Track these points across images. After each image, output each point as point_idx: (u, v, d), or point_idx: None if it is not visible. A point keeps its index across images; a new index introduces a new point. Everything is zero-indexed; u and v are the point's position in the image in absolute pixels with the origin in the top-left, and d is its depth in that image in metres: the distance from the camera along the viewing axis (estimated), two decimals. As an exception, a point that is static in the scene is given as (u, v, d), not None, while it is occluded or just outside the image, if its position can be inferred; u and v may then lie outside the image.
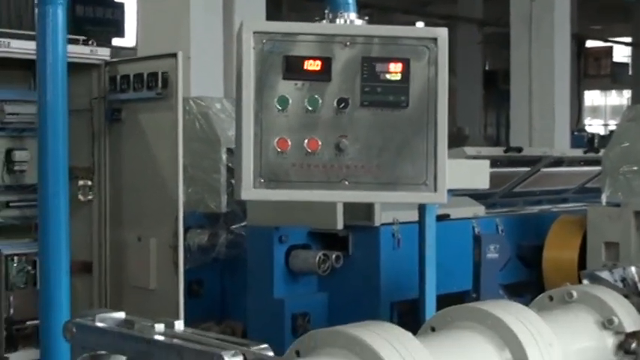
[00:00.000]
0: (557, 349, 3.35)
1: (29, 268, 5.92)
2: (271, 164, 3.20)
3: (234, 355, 2.16)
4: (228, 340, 2.27)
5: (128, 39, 25.51)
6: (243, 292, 6.90)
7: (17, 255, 5.91)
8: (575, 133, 25.64)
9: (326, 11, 3.51)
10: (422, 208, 5.49)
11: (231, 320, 7.49)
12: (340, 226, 6.35)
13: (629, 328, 3.69)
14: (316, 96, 3.23)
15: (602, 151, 8.73)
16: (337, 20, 3.45)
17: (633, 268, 4.08)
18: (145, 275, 6.24)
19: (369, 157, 3.27)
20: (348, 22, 3.45)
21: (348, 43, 3.26)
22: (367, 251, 6.54)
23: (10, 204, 6.32)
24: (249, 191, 3.17)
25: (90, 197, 6.63)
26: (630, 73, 41.28)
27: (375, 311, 6.44)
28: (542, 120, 15.88)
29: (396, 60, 3.27)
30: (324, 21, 3.48)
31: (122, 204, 6.48)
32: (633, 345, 3.67)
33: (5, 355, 5.62)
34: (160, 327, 2.29)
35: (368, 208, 6.31)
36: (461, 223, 7.06)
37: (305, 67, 3.22)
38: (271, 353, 2.22)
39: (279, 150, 3.20)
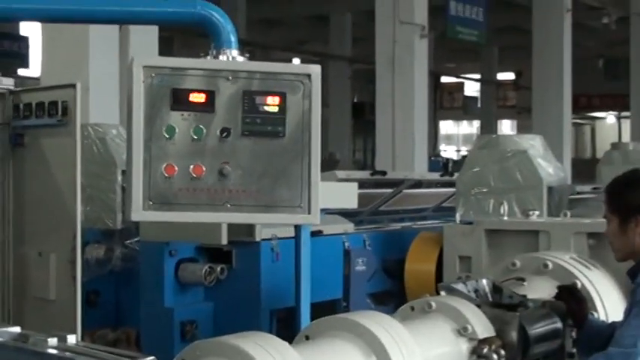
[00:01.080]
0: (418, 355, 3.33)
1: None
2: (159, 188, 3.13)
3: (123, 368, 2.06)
4: (118, 354, 2.17)
5: (33, 69, 25.16)
6: (136, 301, 6.79)
7: None
8: (432, 158, 26.02)
9: (211, 48, 3.46)
10: (298, 226, 5.47)
11: (126, 327, 7.37)
12: (225, 241, 6.29)
13: (482, 334, 3.71)
14: (201, 126, 3.17)
15: (456, 175, 8.83)
16: (221, 57, 3.40)
17: (484, 280, 4.10)
18: (45, 287, 6.09)
19: (250, 182, 3.22)
20: (230, 58, 3.39)
21: (230, 78, 3.21)
22: (249, 264, 6.48)
23: None
24: (139, 213, 3.09)
25: (-7, 216, 6.45)
26: (479, 105, 42.13)
27: (257, 319, 6.39)
28: (404, 146, 16.02)
29: (273, 94, 3.23)
30: (209, 57, 3.42)
31: (24, 222, 6.32)
32: (485, 350, 3.69)
33: None
34: (52, 341, 2.18)
35: (249, 226, 6.25)
36: (332, 239, 7.04)
37: (190, 99, 3.16)
38: (159, 367, 2.13)
39: (166, 175, 3.13)
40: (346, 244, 7.11)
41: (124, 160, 7.39)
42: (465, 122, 50.84)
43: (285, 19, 33.03)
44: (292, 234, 5.86)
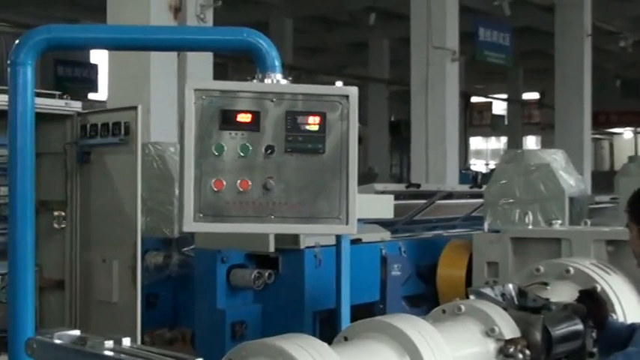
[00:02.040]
0: (449, 355, 3.29)
1: (10, 286, 5.73)
2: (209, 201, 3.11)
3: (174, 369, 2.04)
4: (170, 355, 2.14)
5: (101, 94, 25.51)
6: (191, 303, 6.80)
7: (1, 274, 5.74)
8: (463, 171, 25.83)
9: (257, 72, 3.45)
10: (338, 235, 5.44)
11: (182, 327, 7.40)
12: (272, 249, 6.28)
13: (508, 335, 3.66)
14: (247, 144, 3.15)
15: (484, 187, 8.77)
16: (266, 80, 3.39)
17: (510, 285, 4.03)
18: (108, 291, 6.13)
19: (292, 195, 3.19)
20: (275, 81, 3.38)
21: (274, 99, 3.19)
22: (294, 270, 6.47)
23: None
24: (190, 224, 3.07)
25: (63, 225, 6.52)
26: (506, 123, 41.95)
27: (301, 320, 6.37)
28: (436, 161, 16.01)
29: (314, 114, 3.20)
30: (255, 80, 3.41)
31: (90, 231, 6.37)
32: (511, 349, 3.63)
33: None
34: (109, 343, 2.16)
35: (295, 235, 6.24)
36: (370, 246, 7.01)
37: (238, 119, 3.15)
38: (207, 367, 2.10)
39: (215, 189, 3.11)
40: (383, 251, 7.08)
41: None
42: (493, 138, 50.64)
43: (328, 46, 33.06)
44: (334, 242, 5.84)
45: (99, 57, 27.46)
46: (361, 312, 6.44)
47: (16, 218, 3.36)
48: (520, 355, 3.62)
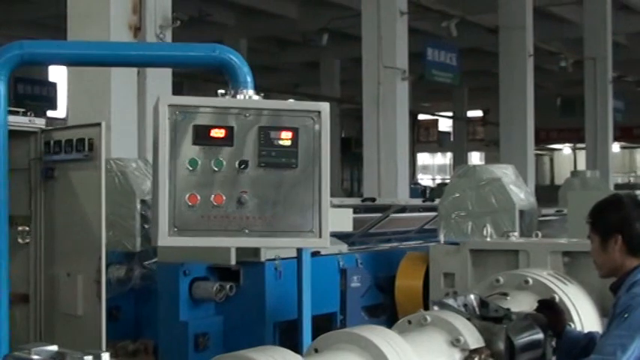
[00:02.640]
0: (417, 363, 3.23)
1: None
2: (183, 216, 3.03)
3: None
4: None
5: (60, 111, 25.25)
6: (154, 315, 6.68)
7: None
8: (412, 185, 25.90)
9: (229, 88, 3.37)
10: (299, 248, 5.36)
11: (145, 339, 7.24)
12: (233, 262, 6.21)
13: (473, 345, 3.62)
14: (221, 158, 3.07)
15: (437, 200, 8.74)
16: (238, 96, 3.31)
17: (472, 296, 3.99)
18: (73, 304, 5.99)
19: (265, 209, 3.12)
20: (247, 97, 3.31)
21: (247, 115, 3.12)
22: (255, 282, 6.39)
23: None
24: (165, 239, 2.99)
25: (27, 240, 6.37)
26: (452, 139, 42.19)
27: (262, 330, 6.30)
28: (388, 176, 15.99)
29: (287, 129, 3.14)
30: (228, 96, 3.33)
31: (54, 246, 6.23)
32: (476, 359, 3.58)
33: None
34: (88, 359, 2.06)
35: (255, 248, 6.14)
36: (329, 259, 6.93)
37: (211, 135, 3.07)
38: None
39: (189, 204, 3.03)
40: (341, 263, 7.02)
41: (142, 190, 7.45)
42: (439, 154, 50.95)
43: (281, 65, 33.06)
44: (293, 254, 5.77)
45: (57, 75, 27.23)
46: (322, 322, 6.39)
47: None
48: (485, 365, 3.58)
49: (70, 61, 4.73)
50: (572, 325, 4.19)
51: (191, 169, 3.04)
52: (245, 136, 3.10)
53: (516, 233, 5.71)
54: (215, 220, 3.06)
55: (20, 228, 6.41)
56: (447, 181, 41.80)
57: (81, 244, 6.05)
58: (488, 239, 5.70)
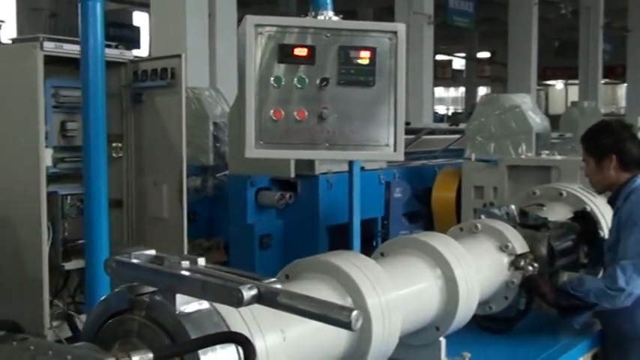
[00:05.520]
0: (473, 265, 2.92)
1: (78, 204, 5.38)
2: (269, 130, 2.69)
3: (250, 289, 1.61)
4: (244, 275, 1.72)
5: (143, 50, 25.31)
6: (225, 218, 6.43)
7: (70, 195, 5.39)
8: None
9: (310, 9, 2.99)
10: (350, 163, 5.04)
11: (217, 238, 7.06)
12: (292, 174, 5.91)
13: (519, 250, 3.32)
14: (304, 76, 2.71)
15: (460, 125, 8.40)
16: (319, 17, 2.93)
17: (512, 206, 3.65)
18: (159, 208, 5.78)
19: (345, 124, 2.77)
20: (327, 18, 2.93)
21: (328, 35, 2.74)
22: (310, 192, 6.09)
23: (65, 159, 5.81)
24: (252, 151, 2.66)
25: (120, 155, 6.13)
26: (464, 76, 41.70)
27: (316, 232, 6.03)
28: (415, 105, 15.65)
29: (365, 48, 2.77)
30: (309, 17, 2.95)
31: (143, 159, 6.01)
32: (522, 262, 3.29)
33: (62, 264, 5.13)
34: (185, 263, 1.75)
35: (311, 162, 5.85)
36: (372, 173, 6.61)
37: (294, 53, 2.71)
38: (279, 286, 1.67)
39: (274, 118, 2.69)
40: (381, 178, 6.71)
41: (214, 114, 7.22)
42: (452, 89, 50.41)
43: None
44: (343, 169, 5.48)
45: (141, 20, 27.22)
46: (369, 225, 6.15)
47: (90, 148, 2.96)
48: (530, 267, 3.29)
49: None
50: (602, 234, 3.85)
51: (276, 85, 2.69)
52: (326, 54, 2.74)
53: (547, 151, 5.31)
54: (298, 134, 2.72)
55: (114, 144, 6.18)
56: (460, 110, 41.32)
57: (165, 158, 5.82)
58: (523, 156, 5.31)
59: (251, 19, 2.66)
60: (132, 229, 5.91)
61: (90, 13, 2.85)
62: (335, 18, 2.94)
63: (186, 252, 5.80)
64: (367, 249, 3.30)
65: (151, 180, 5.92)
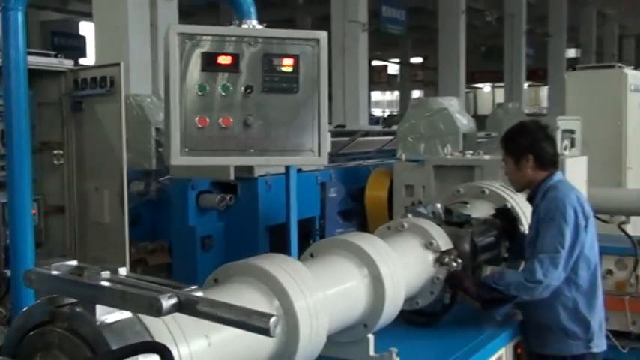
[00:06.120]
0: (399, 263, 2.89)
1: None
2: (194, 137, 2.61)
3: (169, 298, 1.54)
4: (164, 284, 1.64)
5: (89, 59, 24.87)
6: (168, 221, 6.30)
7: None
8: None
9: (234, 18, 2.92)
10: (287, 166, 4.99)
11: (161, 240, 6.93)
12: (232, 177, 5.83)
13: (443, 247, 3.30)
14: (228, 84, 2.64)
15: (393, 127, 8.43)
16: (243, 25, 2.86)
17: (438, 205, 3.64)
18: (101, 213, 5.66)
19: (269, 131, 2.71)
20: (251, 26, 2.86)
21: (252, 43, 2.67)
22: (249, 194, 6.03)
23: (4, 167, 5.65)
24: (177, 158, 2.58)
25: (62, 162, 5.99)
26: (398, 80, 42.06)
27: (256, 232, 5.96)
28: (351, 109, 15.73)
29: (288, 56, 2.70)
30: (233, 26, 2.87)
31: (84, 166, 5.89)
32: (446, 259, 3.27)
33: (4, 271, 5.04)
34: (106, 274, 1.66)
35: (250, 167, 5.78)
36: (309, 174, 6.58)
37: (218, 61, 2.63)
38: (200, 293, 1.60)
39: (199, 126, 2.61)
40: (318, 179, 6.68)
41: (156, 120, 7.09)
42: (388, 92, 50.79)
43: (262, 22, 32.10)
44: (281, 172, 5.43)
45: (86, 30, 26.78)
46: (306, 224, 6.10)
47: (13, 156, 2.83)
48: (454, 263, 3.28)
49: None
50: (522, 229, 3.87)
51: (200, 93, 2.61)
52: (249, 62, 2.67)
53: (471, 151, 5.34)
54: (223, 141, 2.65)
55: (55, 152, 6.04)
56: (395, 113, 41.63)
57: (106, 165, 5.72)
58: (449, 157, 5.33)
59: (174, 28, 2.58)
60: (74, 234, 5.77)
61: (11, 22, 2.72)
62: (259, 26, 2.87)
63: (128, 255, 5.68)
64: (305, 247, 3.26)
65: (92, 186, 5.79)
